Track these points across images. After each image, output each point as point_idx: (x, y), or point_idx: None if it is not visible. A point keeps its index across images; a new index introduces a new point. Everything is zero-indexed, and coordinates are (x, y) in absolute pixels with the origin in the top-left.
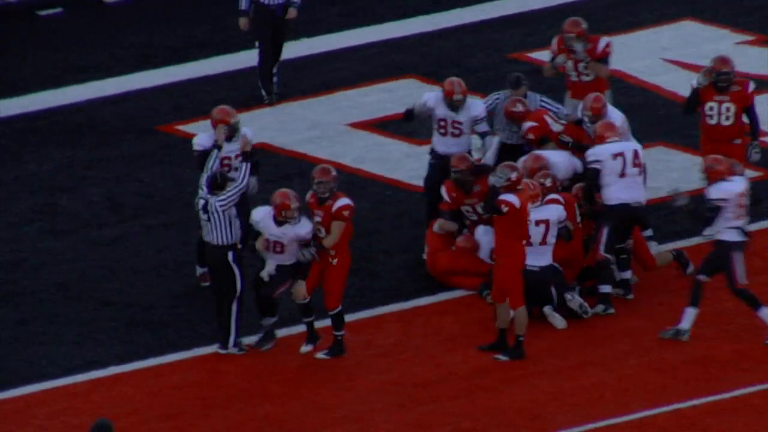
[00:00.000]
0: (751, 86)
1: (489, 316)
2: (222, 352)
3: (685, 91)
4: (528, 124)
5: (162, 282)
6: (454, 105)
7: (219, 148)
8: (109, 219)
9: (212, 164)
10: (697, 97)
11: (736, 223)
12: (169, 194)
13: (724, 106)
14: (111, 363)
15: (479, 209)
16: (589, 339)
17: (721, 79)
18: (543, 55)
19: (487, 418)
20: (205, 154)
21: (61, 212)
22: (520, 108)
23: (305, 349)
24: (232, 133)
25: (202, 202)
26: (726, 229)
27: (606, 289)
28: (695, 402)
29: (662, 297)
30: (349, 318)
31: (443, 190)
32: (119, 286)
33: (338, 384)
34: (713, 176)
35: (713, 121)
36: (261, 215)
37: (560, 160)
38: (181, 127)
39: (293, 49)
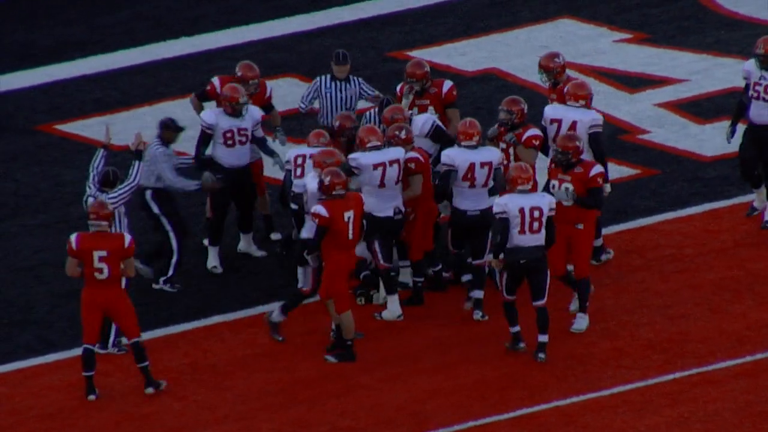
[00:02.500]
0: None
1: (366, 315)
2: (101, 351)
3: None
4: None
5: (41, 282)
6: (239, 111)
7: (107, 147)
8: None
9: (99, 162)
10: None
11: None
12: (47, 194)
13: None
14: None
15: None
16: (470, 336)
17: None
18: (421, 54)
19: (366, 416)
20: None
21: None
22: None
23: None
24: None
25: (91, 200)
26: None
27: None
28: (574, 399)
29: None
30: (230, 317)
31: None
32: None
33: (219, 383)
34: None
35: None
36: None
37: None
38: (60, 127)
39: (172, 48)
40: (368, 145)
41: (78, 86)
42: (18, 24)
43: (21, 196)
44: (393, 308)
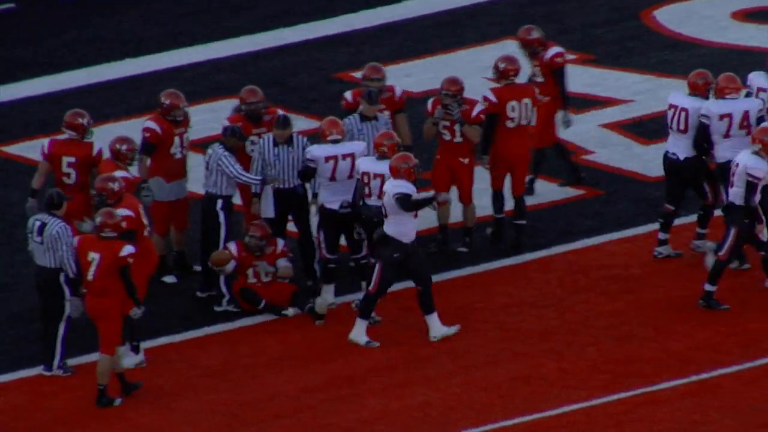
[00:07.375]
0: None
1: (313, 336)
2: (47, 373)
3: None
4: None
5: None
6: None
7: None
8: None
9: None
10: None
11: None
12: None
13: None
14: None
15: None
16: (415, 358)
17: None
18: None
19: None
20: None
21: None
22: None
23: None
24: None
25: (38, 223)
26: None
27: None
28: (520, 420)
29: (487, 315)
30: (174, 339)
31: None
32: None
33: (163, 405)
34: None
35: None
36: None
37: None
38: (5, 149)
39: (119, 70)
40: (329, 138)
41: (23, 108)
42: None
43: None
44: (326, 297)
